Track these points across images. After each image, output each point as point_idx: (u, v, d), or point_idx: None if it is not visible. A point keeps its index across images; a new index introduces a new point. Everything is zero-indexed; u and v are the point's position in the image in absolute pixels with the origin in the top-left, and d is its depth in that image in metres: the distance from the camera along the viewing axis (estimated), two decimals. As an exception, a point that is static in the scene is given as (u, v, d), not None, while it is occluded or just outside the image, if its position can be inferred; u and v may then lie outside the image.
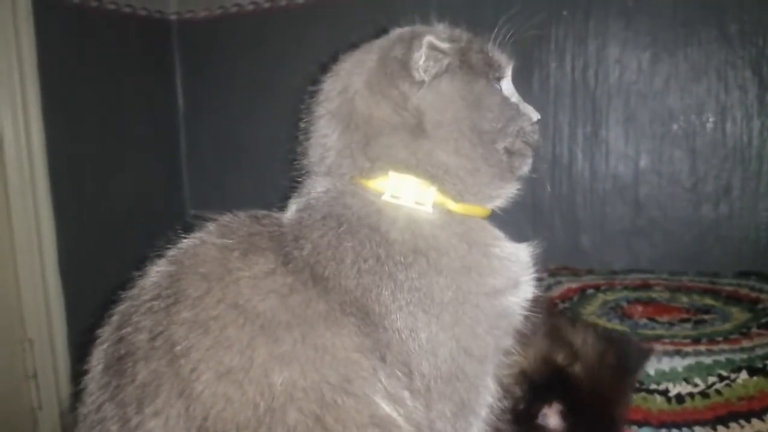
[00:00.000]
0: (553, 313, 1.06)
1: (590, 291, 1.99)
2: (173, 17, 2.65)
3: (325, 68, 0.82)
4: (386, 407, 0.66)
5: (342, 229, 0.72)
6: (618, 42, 2.24)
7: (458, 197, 0.75)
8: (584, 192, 2.35)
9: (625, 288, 1.99)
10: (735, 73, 2.13)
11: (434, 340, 0.70)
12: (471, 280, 0.73)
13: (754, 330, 1.58)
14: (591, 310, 1.84)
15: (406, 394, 0.68)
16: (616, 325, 1.72)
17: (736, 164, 2.17)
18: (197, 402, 0.62)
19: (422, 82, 0.73)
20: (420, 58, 0.73)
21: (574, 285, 2.03)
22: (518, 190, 0.82)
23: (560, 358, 1.01)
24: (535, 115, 0.80)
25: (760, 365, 1.40)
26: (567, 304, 1.89)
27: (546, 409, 0.97)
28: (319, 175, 0.78)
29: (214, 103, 2.65)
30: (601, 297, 1.94)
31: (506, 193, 0.81)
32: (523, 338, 0.80)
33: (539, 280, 0.81)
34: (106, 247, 2.09)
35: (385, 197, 0.73)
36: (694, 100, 2.19)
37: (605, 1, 2.22)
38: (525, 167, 0.81)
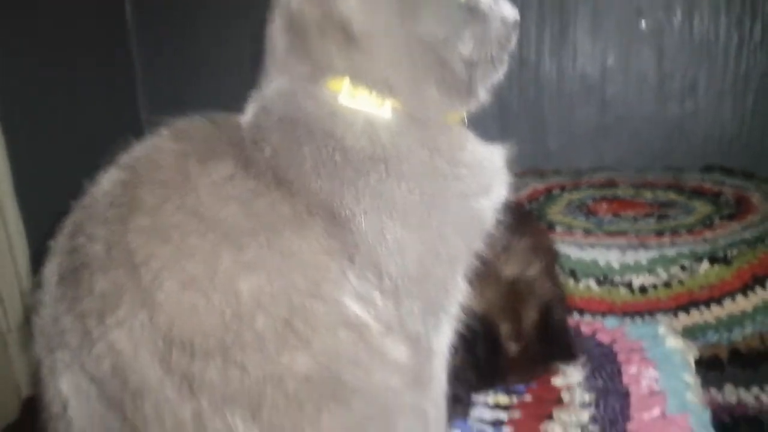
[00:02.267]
0: (522, 264, 1.06)
1: (556, 191, 2.01)
2: None
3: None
4: (356, 309, 0.66)
5: (298, 132, 0.68)
6: (586, -66, 2.16)
7: (409, 111, 0.70)
8: (551, 93, 2.32)
9: (591, 187, 2.01)
10: (703, -33, 2.08)
11: (401, 243, 0.68)
12: (436, 185, 0.70)
13: (717, 222, 1.62)
14: (557, 210, 1.86)
15: (377, 294, 0.68)
16: (581, 222, 1.74)
17: (703, 61, 2.16)
18: (161, 311, 0.60)
19: None
20: None
21: (540, 186, 2.05)
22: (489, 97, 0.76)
23: (504, 329, 1.03)
24: (512, 15, 0.72)
25: (721, 254, 1.44)
26: (533, 205, 1.91)
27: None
28: (274, 73, 0.74)
29: (166, 11, 2.50)
30: (566, 197, 1.96)
31: (466, 108, 0.75)
32: (481, 282, 0.79)
33: (511, 183, 0.78)
34: (60, 166, 2.02)
35: (341, 99, 0.69)
36: (662, -5, 2.15)
37: None
38: (492, 77, 0.74)
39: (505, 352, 1.02)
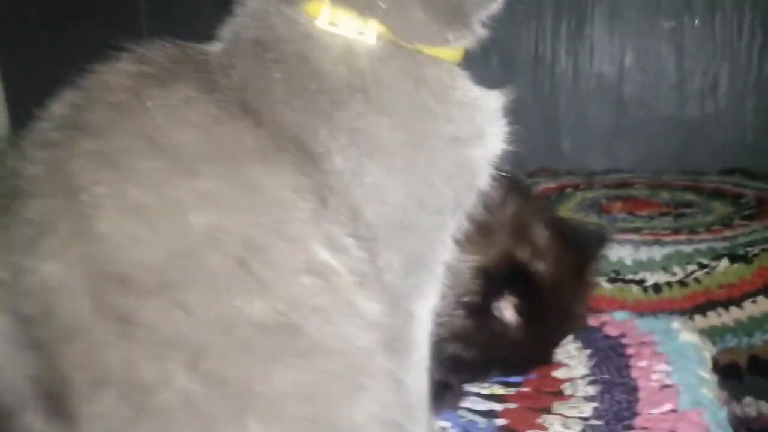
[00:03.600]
0: (518, 204, 1.01)
1: (569, 190, 1.93)
2: None
3: None
4: (326, 255, 0.58)
5: (269, 56, 0.62)
6: (605, -71, 2.10)
7: (393, 35, 0.63)
8: (567, 92, 2.24)
9: (605, 186, 1.93)
10: (727, -39, 2.01)
11: (381, 187, 0.62)
12: (424, 123, 0.63)
13: (737, 221, 1.53)
14: (568, 207, 1.78)
15: (351, 241, 0.60)
16: (593, 220, 1.66)
17: (725, 59, 2.08)
18: (100, 242, 0.53)
19: None
20: None
21: (552, 185, 1.97)
22: (486, 33, 0.70)
23: (522, 254, 0.97)
24: None
25: (741, 252, 1.35)
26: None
27: (501, 301, 0.93)
28: None
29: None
30: (579, 195, 1.88)
31: (459, 40, 0.66)
32: (485, 236, 0.72)
33: (510, 133, 0.70)
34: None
35: (319, 23, 0.62)
36: (683, -8, 2.08)
37: None
38: (488, 5, 0.66)
39: (540, 276, 0.96)
